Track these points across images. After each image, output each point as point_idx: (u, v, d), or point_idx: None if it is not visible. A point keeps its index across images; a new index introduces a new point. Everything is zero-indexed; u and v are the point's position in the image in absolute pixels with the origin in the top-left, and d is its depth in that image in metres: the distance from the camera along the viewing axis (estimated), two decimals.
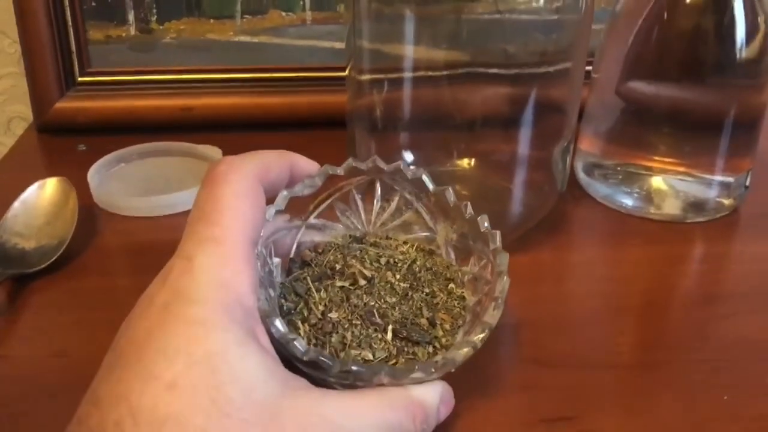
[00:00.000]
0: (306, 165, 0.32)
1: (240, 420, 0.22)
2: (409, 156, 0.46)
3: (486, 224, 0.33)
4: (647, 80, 0.47)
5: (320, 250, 0.35)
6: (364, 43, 0.41)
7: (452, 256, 0.35)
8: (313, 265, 0.34)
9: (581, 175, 0.52)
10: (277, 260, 0.33)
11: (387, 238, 0.36)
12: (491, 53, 0.41)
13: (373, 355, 0.30)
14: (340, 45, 0.59)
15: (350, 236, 0.36)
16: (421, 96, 0.42)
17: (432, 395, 0.28)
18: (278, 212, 0.32)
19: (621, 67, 0.47)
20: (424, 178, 0.34)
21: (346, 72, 0.44)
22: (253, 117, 0.58)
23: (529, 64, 0.40)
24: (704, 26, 0.45)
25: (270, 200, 0.31)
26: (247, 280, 0.26)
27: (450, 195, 0.34)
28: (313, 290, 0.32)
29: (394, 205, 0.36)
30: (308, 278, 0.33)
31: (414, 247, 0.36)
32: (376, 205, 0.36)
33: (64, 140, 0.57)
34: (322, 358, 0.26)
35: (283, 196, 0.32)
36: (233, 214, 0.27)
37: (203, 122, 0.58)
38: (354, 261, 0.34)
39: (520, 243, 0.43)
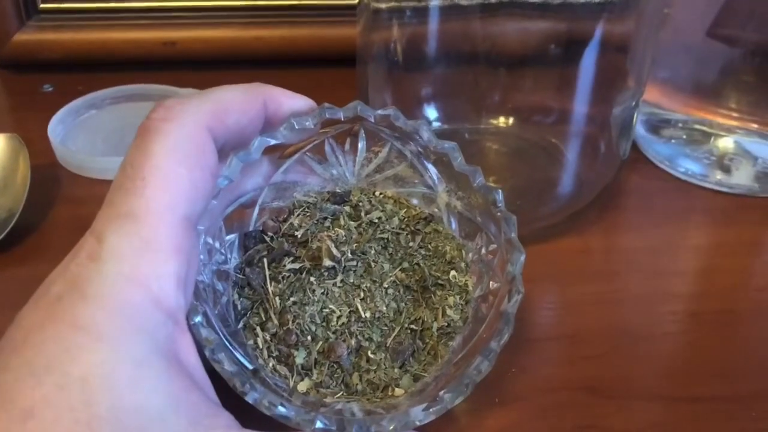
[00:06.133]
0: (290, 101, 0.25)
1: None
2: (432, 111, 0.40)
3: (500, 201, 0.26)
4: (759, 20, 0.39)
5: (285, 216, 0.27)
6: None
7: (454, 226, 0.28)
8: (274, 239, 0.27)
9: (640, 132, 0.45)
10: (230, 237, 0.26)
11: (375, 194, 0.29)
12: None
13: (346, 388, 0.24)
14: None
15: (328, 193, 0.28)
16: (450, 31, 0.38)
17: None
18: (249, 166, 0.25)
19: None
20: (423, 128, 0.27)
21: None
22: (247, 53, 0.52)
23: None
24: None
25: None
26: (173, 273, 0.20)
27: (456, 154, 0.27)
28: (269, 280, 0.25)
29: (383, 154, 0.28)
30: (265, 261, 0.26)
31: (407, 211, 0.29)
32: (360, 155, 0.28)
33: (26, 79, 0.52)
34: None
35: (256, 145, 0.25)
36: (162, 180, 0.21)
37: (188, 59, 0.52)
38: (324, 231, 0.27)
39: (567, 223, 0.37)
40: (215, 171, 0.23)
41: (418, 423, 0.21)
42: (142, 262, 0.20)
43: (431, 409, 0.21)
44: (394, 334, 0.25)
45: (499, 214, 0.26)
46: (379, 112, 0.26)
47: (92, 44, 0.51)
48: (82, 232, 0.22)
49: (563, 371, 0.30)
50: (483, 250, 0.27)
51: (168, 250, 0.20)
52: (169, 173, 0.21)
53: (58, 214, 0.38)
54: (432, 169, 0.28)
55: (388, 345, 0.25)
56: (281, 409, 0.21)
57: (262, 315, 0.25)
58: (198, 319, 0.21)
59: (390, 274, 0.26)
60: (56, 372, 0.18)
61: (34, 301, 0.20)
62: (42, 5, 0.51)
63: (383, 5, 0.37)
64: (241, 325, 0.25)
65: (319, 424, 0.21)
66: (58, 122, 0.43)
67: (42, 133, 0.41)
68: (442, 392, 0.22)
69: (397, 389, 0.24)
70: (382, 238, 0.27)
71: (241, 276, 0.26)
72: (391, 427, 0.21)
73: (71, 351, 0.18)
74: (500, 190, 0.26)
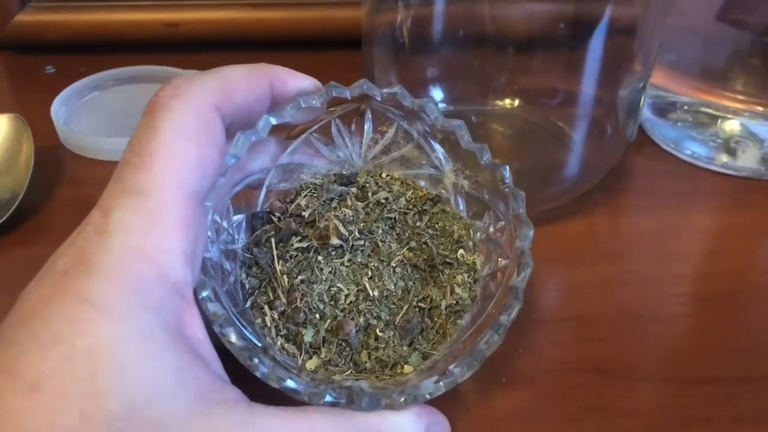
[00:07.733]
0: (295, 81, 0.25)
1: None
2: (438, 92, 0.40)
3: (508, 178, 0.26)
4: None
5: (292, 198, 0.28)
6: None
7: (461, 206, 0.28)
8: (281, 219, 0.27)
9: (647, 115, 0.45)
10: (238, 218, 0.26)
11: (381, 176, 0.29)
12: None
13: (355, 366, 0.24)
14: None
15: (335, 175, 0.28)
16: (456, 12, 0.37)
17: (411, 429, 0.22)
18: (256, 146, 0.25)
19: None
20: (429, 107, 0.26)
21: None
22: (251, 35, 0.52)
23: None
24: None
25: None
26: (180, 248, 0.20)
27: (462, 132, 0.27)
28: (277, 259, 0.25)
29: (390, 135, 0.28)
30: (272, 240, 0.26)
31: (414, 192, 0.29)
32: (366, 136, 0.28)
33: (28, 61, 0.51)
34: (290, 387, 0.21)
35: (262, 123, 0.25)
36: (170, 156, 0.21)
37: (191, 40, 0.52)
38: (331, 211, 0.27)
39: (573, 205, 0.37)
40: (223, 149, 0.23)
41: (428, 396, 0.21)
42: (149, 236, 0.20)
43: (441, 382, 0.21)
44: (402, 313, 0.25)
45: (506, 190, 0.26)
46: (386, 90, 0.26)
47: (94, 25, 0.50)
48: (85, 213, 0.21)
49: (570, 352, 0.29)
50: (491, 229, 0.27)
51: (175, 224, 0.20)
52: (177, 149, 0.21)
53: (62, 196, 0.38)
54: (439, 149, 0.28)
55: (396, 323, 0.25)
56: (290, 382, 0.21)
57: (270, 294, 0.25)
58: (206, 293, 0.21)
59: (397, 254, 0.26)
60: (62, 345, 0.18)
61: (41, 276, 0.20)
62: None
63: None
64: (249, 304, 0.25)
65: (328, 398, 0.21)
66: (61, 103, 0.43)
67: (45, 115, 0.41)
68: (452, 366, 0.22)
69: (406, 367, 0.24)
70: (390, 218, 0.27)
71: (248, 255, 0.26)
72: (402, 400, 0.21)
73: (77, 324, 0.18)
74: (507, 167, 0.26)
